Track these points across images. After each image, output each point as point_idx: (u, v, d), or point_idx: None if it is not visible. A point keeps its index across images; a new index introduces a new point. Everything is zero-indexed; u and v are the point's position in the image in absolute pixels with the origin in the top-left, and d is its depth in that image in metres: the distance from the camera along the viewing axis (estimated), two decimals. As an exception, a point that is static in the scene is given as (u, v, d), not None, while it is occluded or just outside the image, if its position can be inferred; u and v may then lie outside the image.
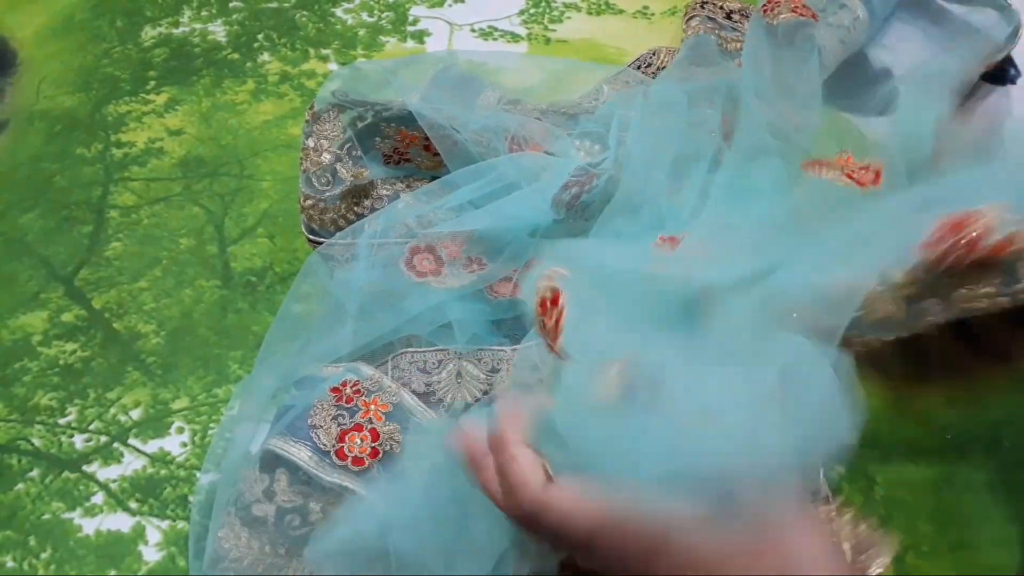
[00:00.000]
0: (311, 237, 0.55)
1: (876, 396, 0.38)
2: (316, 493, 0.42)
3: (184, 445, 0.50)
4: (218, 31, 0.76)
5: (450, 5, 0.78)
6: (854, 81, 0.54)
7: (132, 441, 0.51)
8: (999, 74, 0.56)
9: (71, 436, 0.51)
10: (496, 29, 0.75)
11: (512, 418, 0.32)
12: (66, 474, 0.50)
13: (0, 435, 0.51)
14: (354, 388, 0.45)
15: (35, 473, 0.50)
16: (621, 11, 0.76)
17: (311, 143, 0.55)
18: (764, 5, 0.53)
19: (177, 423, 0.51)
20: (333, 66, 0.73)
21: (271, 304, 0.56)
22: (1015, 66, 0.56)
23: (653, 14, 0.76)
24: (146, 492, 0.49)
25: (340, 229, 0.54)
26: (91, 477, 0.50)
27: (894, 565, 0.44)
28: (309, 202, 0.55)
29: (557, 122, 0.52)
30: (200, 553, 0.43)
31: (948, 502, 0.46)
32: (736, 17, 0.63)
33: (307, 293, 0.50)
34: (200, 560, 0.42)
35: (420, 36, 0.75)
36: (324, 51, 0.74)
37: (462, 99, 0.54)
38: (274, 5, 0.79)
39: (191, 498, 0.47)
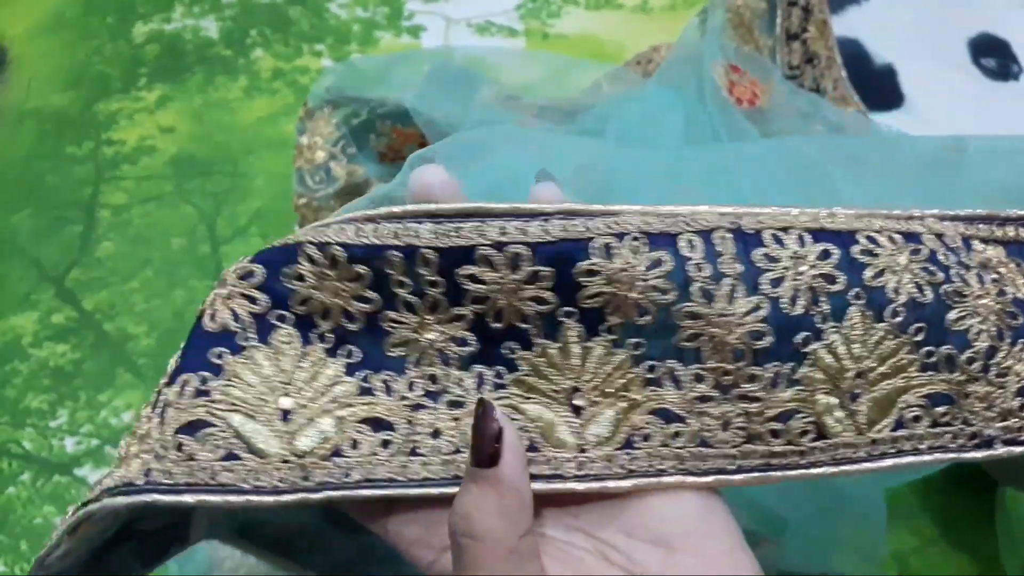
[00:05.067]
0: (305, 236, 0.54)
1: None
2: None
3: (177, 448, 0.50)
4: (210, 27, 0.76)
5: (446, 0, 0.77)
6: (855, 78, 0.53)
7: (124, 444, 0.50)
8: (1003, 70, 0.55)
9: (62, 439, 0.51)
10: (493, 24, 0.74)
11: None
12: (57, 477, 0.49)
13: (-11, 439, 0.51)
14: None
15: (26, 476, 0.49)
16: (620, 6, 0.75)
17: (305, 140, 0.55)
18: None
19: (170, 426, 0.51)
20: (327, 62, 0.72)
21: (265, 304, 0.56)
22: (1018, 62, 0.56)
23: (652, 9, 0.75)
24: (138, 496, 0.48)
25: (335, 228, 0.53)
26: (82, 481, 0.49)
27: (897, 566, 0.44)
28: (303, 200, 0.54)
29: (556, 119, 0.51)
30: (190, 554, 0.42)
31: (951, 503, 0.46)
32: None
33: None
34: (188, 562, 0.42)
35: (415, 31, 0.74)
36: (318, 47, 0.73)
37: (459, 96, 0.53)
38: (267, 0, 0.78)
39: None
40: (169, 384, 0.25)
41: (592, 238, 0.25)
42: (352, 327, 0.26)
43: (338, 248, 0.25)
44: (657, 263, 0.25)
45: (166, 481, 0.24)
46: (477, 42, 0.72)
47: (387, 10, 0.76)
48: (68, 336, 0.55)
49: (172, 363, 0.25)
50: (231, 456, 0.24)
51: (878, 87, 0.53)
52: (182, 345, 0.26)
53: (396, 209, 0.25)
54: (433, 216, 0.25)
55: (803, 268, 0.25)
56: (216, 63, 0.72)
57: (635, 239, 0.25)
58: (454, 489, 0.24)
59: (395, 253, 0.25)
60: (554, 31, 0.74)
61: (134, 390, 0.52)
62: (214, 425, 0.24)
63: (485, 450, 0.23)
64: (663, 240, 0.25)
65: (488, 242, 0.25)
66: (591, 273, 0.25)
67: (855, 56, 0.54)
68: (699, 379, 0.25)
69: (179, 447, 0.24)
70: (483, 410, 0.23)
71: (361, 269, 0.25)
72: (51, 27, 0.76)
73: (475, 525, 0.22)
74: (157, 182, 0.64)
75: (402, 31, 0.74)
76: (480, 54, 0.58)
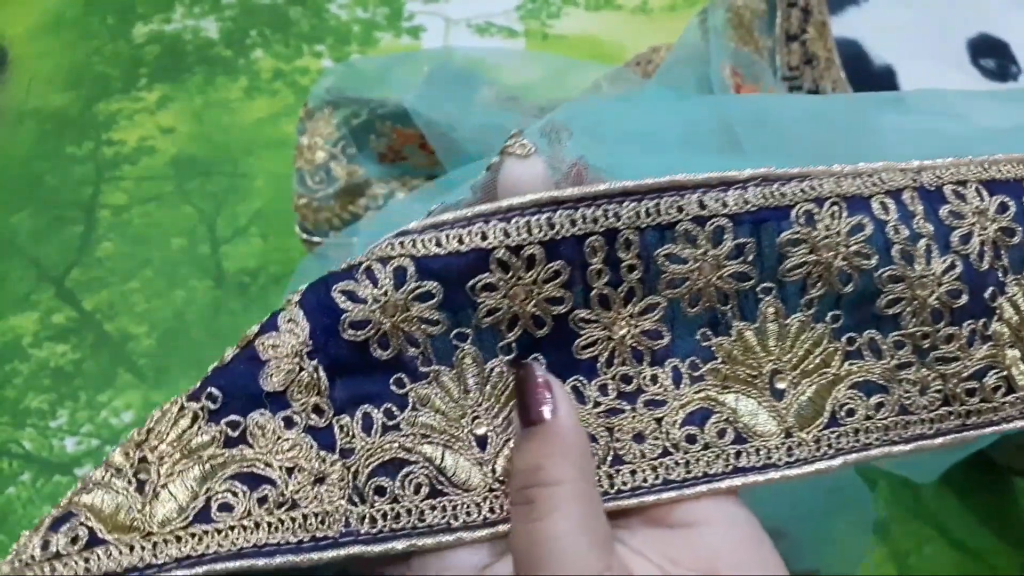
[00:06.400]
0: (305, 236, 0.54)
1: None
2: None
3: (177, 448, 0.50)
4: (210, 28, 0.76)
5: (446, 0, 0.77)
6: (855, 79, 0.53)
7: (124, 444, 0.50)
8: (1002, 71, 0.55)
9: (62, 439, 0.51)
10: (493, 25, 0.74)
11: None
12: (57, 478, 0.49)
13: (-10, 439, 0.51)
14: None
15: (26, 476, 0.49)
16: (620, 7, 0.75)
17: (305, 141, 0.55)
18: None
19: (170, 426, 0.51)
20: (327, 63, 0.72)
21: (264, 305, 0.55)
22: (1017, 64, 0.56)
23: (652, 9, 0.75)
24: (138, 496, 0.48)
25: (335, 228, 0.53)
26: (83, 481, 0.49)
27: (896, 566, 0.44)
28: (303, 201, 0.54)
29: (555, 120, 0.51)
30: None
31: (949, 502, 0.46)
32: None
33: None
34: None
35: (415, 32, 0.74)
36: (318, 47, 0.73)
37: (459, 96, 0.53)
38: (267, 1, 0.78)
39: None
40: (338, 415, 0.23)
41: (793, 204, 0.24)
42: (539, 333, 0.24)
43: (537, 247, 0.23)
44: (858, 228, 0.24)
45: (370, 530, 0.23)
46: (477, 43, 0.72)
47: (387, 11, 0.76)
48: (68, 336, 0.55)
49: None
50: (436, 493, 0.23)
51: (877, 88, 0.53)
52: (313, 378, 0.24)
53: (593, 189, 0.24)
54: (630, 194, 0.24)
55: (986, 223, 0.25)
56: (216, 63, 0.72)
57: (834, 203, 0.24)
58: (669, 495, 0.23)
59: (597, 239, 0.23)
60: (554, 32, 0.74)
61: (134, 390, 0.52)
62: (412, 463, 0.23)
63: (538, 404, 0.22)
64: (858, 203, 0.24)
65: (689, 216, 0.24)
66: (795, 243, 0.24)
67: (855, 57, 0.54)
68: (899, 346, 0.25)
69: (379, 490, 0.23)
70: (525, 371, 0.22)
71: (559, 265, 0.23)
72: (51, 27, 0.76)
73: (547, 473, 0.21)
74: (157, 182, 0.64)
75: (402, 32, 0.74)
76: (480, 55, 0.58)
